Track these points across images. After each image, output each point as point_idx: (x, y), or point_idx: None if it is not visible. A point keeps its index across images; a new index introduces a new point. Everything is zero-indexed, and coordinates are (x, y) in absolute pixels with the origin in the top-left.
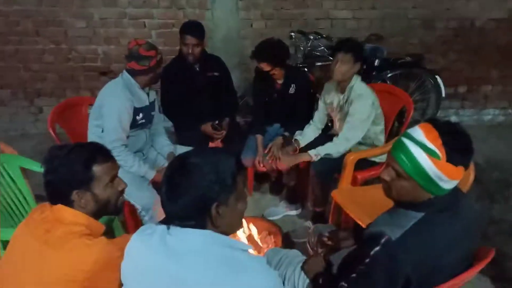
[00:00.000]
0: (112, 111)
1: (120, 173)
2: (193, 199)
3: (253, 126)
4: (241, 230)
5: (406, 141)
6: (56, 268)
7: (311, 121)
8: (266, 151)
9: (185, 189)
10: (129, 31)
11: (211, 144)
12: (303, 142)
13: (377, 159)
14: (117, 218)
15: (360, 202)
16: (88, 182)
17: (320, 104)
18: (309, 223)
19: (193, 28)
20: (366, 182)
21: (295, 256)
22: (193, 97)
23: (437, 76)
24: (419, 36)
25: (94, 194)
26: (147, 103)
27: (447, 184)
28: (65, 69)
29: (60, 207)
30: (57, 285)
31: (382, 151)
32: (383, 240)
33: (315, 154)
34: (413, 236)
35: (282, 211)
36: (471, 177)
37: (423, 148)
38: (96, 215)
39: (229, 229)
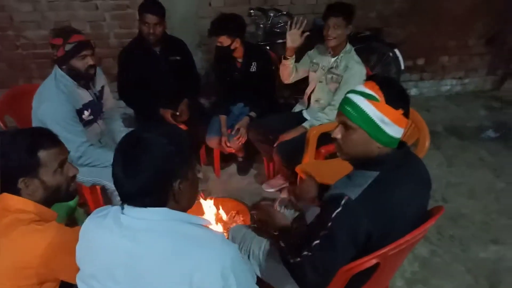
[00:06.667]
0: (56, 122)
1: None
2: (155, 174)
3: (217, 106)
4: (211, 210)
5: (349, 95)
6: (6, 256)
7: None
8: (233, 132)
9: (145, 164)
10: (81, 14)
11: None
12: None
13: None
14: (81, 209)
15: (325, 175)
16: (34, 169)
17: (305, 58)
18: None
19: (153, 6)
20: (331, 157)
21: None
22: (153, 82)
23: (395, 49)
24: (377, 9)
25: (42, 181)
26: (91, 98)
27: (392, 130)
28: (15, 57)
29: (5, 195)
30: (11, 273)
31: None
32: (343, 201)
33: (309, 125)
34: (371, 193)
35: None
36: (427, 143)
37: (363, 95)
38: (46, 202)
39: (188, 204)
